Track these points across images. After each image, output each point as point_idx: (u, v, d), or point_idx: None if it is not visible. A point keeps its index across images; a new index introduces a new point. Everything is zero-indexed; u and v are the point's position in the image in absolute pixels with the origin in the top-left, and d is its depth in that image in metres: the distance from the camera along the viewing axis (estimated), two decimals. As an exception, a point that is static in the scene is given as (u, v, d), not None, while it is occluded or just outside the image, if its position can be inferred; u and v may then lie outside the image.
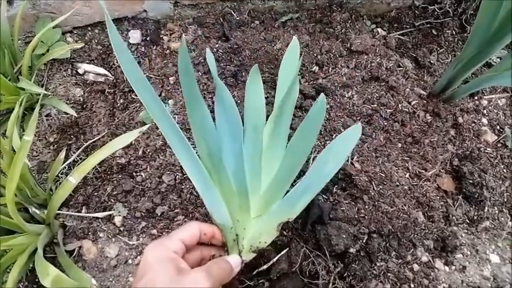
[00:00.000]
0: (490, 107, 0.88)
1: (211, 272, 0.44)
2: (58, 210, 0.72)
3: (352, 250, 0.63)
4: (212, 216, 0.54)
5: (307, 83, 0.83)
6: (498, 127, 0.85)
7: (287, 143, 0.60)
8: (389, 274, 0.65)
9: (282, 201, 0.54)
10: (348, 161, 0.74)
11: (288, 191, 0.55)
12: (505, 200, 0.78)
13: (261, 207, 0.56)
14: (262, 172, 0.57)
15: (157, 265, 0.43)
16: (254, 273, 0.58)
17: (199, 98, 0.49)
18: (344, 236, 0.63)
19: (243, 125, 0.58)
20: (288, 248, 0.62)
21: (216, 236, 0.54)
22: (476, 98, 0.89)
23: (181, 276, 0.42)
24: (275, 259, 0.59)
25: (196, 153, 0.53)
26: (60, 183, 0.72)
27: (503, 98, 0.90)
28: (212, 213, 0.54)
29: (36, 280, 0.70)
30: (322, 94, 0.45)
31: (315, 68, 0.86)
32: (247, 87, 0.62)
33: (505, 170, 0.80)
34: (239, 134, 0.53)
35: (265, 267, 0.58)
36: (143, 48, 0.90)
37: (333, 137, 0.77)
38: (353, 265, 0.63)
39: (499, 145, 0.83)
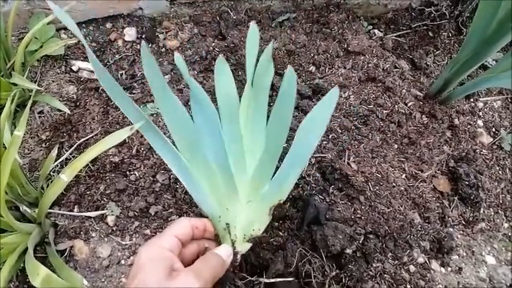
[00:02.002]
0: (485, 109, 0.88)
1: (199, 271, 0.43)
2: (49, 209, 0.70)
3: (348, 251, 0.63)
4: (200, 208, 0.53)
5: (303, 83, 0.83)
6: (493, 129, 0.86)
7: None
8: (385, 275, 0.64)
9: (270, 183, 0.53)
10: (344, 161, 0.74)
11: (275, 173, 0.53)
12: (501, 201, 0.78)
13: (250, 193, 0.55)
14: (246, 157, 0.55)
15: (149, 265, 0.42)
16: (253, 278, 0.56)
17: (167, 90, 0.48)
18: (340, 237, 0.62)
19: (219, 115, 0.56)
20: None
21: (208, 229, 0.53)
22: (472, 100, 0.89)
23: (171, 279, 0.41)
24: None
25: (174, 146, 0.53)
26: (52, 181, 0.71)
27: (499, 100, 0.90)
28: (199, 205, 0.53)
29: (27, 280, 0.68)
30: (289, 67, 0.44)
31: (312, 68, 0.85)
32: (215, 77, 0.59)
33: (500, 172, 0.81)
34: (215, 122, 0.52)
35: None
36: (138, 46, 0.89)
37: (330, 137, 0.76)
38: (349, 266, 0.63)
39: (495, 147, 0.83)
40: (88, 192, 0.73)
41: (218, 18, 0.92)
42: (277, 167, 0.53)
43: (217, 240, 0.54)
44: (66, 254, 0.69)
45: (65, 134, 0.79)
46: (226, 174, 0.52)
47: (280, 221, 0.67)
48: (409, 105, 0.82)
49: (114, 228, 0.71)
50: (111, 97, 0.52)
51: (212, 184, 0.53)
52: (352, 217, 0.67)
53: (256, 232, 0.54)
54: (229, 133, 0.54)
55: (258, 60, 0.60)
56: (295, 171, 0.53)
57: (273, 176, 0.53)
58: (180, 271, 0.43)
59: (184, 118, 0.51)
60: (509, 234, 0.76)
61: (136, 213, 0.71)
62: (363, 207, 0.69)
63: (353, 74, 0.84)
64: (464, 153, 0.81)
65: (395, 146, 0.78)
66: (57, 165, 0.75)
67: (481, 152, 0.82)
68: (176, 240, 0.46)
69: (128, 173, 0.74)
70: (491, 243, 0.74)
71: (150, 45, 0.89)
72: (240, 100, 0.61)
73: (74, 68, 0.86)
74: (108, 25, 0.91)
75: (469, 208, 0.76)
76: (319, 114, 0.47)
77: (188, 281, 0.41)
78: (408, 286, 0.65)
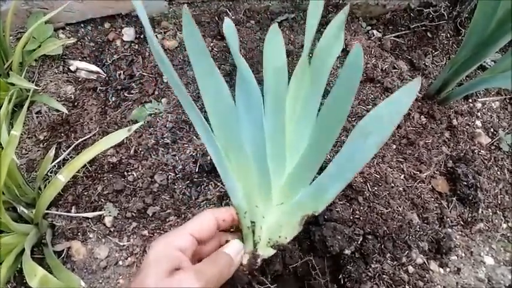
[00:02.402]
0: (484, 110, 0.88)
1: (202, 270, 0.40)
2: (47, 209, 0.70)
3: (347, 251, 0.63)
4: (230, 195, 0.48)
5: (302, 83, 0.83)
6: (492, 129, 0.86)
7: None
8: (384, 276, 0.64)
9: (310, 187, 0.45)
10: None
11: (316, 177, 0.45)
12: (499, 202, 0.78)
13: (284, 194, 0.48)
14: (287, 151, 0.47)
15: (152, 264, 0.40)
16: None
17: (211, 65, 0.41)
18: (339, 237, 0.62)
19: (262, 94, 0.48)
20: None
21: (237, 217, 0.48)
22: (470, 100, 0.89)
23: (170, 278, 0.39)
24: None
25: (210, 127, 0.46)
26: (49, 182, 0.70)
27: (497, 100, 0.91)
28: (228, 192, 0.47)
29: (24, 281, 0.67)
30: (357, 45, 0.33)
31: (311, 69, 0.85)
32: (265, 43, 0.50)
33: (498, 172, 0.81)
34: (259, 108, 0.43)
35: None
36: (137, 45, 0.89)
37: (328, 137, 0.76)
38: (348, 267, 0.63)
39: (493, 147, 0.83)
40: (85, 193, 0.73)
41: (217, 19, 0.92)
42: (321, 170, 0.45)
43: (236, 234, 0.50)
44: (63, 255, 0.69)
45: (62, 134, 0.79)
46: (261, 168, 0.45)
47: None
48: (407, 105, 0.82)
49: (112, 229, 0.71)
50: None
51: (245, 176, 0.46)
52: (351, 218, 0.66)
53: (283, 240, 0.49)
54: (271, 121, 0.46)
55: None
56: (340, 181, 0.43)
57: (313, 181, 0.46)
58: (181, 270, 0.40)
59: (227, 100, 0.44)
60: (508, 234, 0.76)
61: (134, 214, 0.71)
62: (361, 207, 0.68)
63: (352, 75, 0.84)
64: (462, 154, 0.80)
65: (394, 146, 0.78)
66: (55, 166, 0.75)
67: (480, 153, 0.82)
68: (191, 238, 0.43)
69: (125, 173, 0.74)
70: (490, 244, 0.74)
71: (148, 45, 0.89)
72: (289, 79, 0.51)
73: (72, 68, 0.86)
74: (107, 25, 0.91)
75: (468, 209, 0.76)
76: (388, 110, 0.37)
77: (187, 280, 0.39)
78: (407, 287, 0.65)
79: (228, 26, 0.48)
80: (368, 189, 0.71)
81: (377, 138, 0.37)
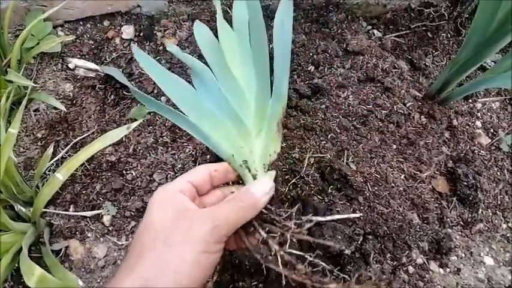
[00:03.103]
0: (484, 110, 0.88)
1: (217, 212, 0.38)
2: (45, 208, 0.69)
3: (347, 251, 0.62)
4: (215, 152, 0.51)
5: (302, 83, 0.83)
6: (492, 130, 0.86)
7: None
8: (384, 276, 0.64)
9: (272, 98, 0.52)
10: (343, 161, 0.73)
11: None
12: (499, 202, 0.78)
13: (257, 122, 0.53)
14: (246, 93, 0.55)
15: (156, 207, 0.38)
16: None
17: (165, 71, 0.53)
18: (339, 237, 0.62)
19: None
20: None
21: (230, 170, 0.48)
22: (470, 100, 0.89)
23: (181, 217, 0.37)
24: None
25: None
26: (47, 180, 0.70)
27: (497, 101, 0.90)
28: (214, 150, 0.51)
29: (22, 280, 0.67)
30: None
31: (311, 68, 0.85)
32: (197, 39, 0.60)
33: (499, 173, 0.80)
34: (216, 86, 0.54)
35: None
36: (136, 44, 0.89)
37: (328, 137, 0.76)
38: (348, 267, 0.62)
39: (493, 148, 0.83)
40: (84, 192, 0.72)
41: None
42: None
43: (239, 182, 0.50)
44: (61, 254, 0.68)
45: (60, 133, 0.78)
46: (233, 118, 0.52)
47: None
48: (408, 105, 0.82)
49: (110, 228, 0.70)
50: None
51: (222, 132, 0.52)
52: (351, 217, 0.66)
53: (273, 156, 0.51)
54: (224, 82, 0.54)
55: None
56: (285, 73, 0.52)
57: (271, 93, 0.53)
58: (193, 210, 0.39)
59: (187, 89, 0.54)
60: (508, 235, 0.76)
61: (132, 213, 0.70)
62: (361, 207, 0.68)
63: (352, 74, 0.84)
64: (462, 154, 0.80)
65: (394, 146, 0.78)
66: (53, 164, 0.74)
67: (480, 153, 0.82)
68: (189, 185, 0.42)
69: (124, 172, 0.73)
70: (490, 244, 0.74)
71: (147, 44, 0.89)
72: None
73: (71, 66, 0.85)
74: (106, 23, 0.91)
75: (468, 209, 0.76)
76: (281, 16, 0.52)
77: (200, 218, 0.37)
78: (407, 287, 0.65)
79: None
80: (368, 189, 0.70)
81: (286, 31, 0.51)
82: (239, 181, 0.50)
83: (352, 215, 0.66)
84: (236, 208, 0.40)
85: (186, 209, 0.38)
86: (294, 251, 0.41)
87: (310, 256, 0.44)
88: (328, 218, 0.49)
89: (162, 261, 0.35)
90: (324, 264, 0.42)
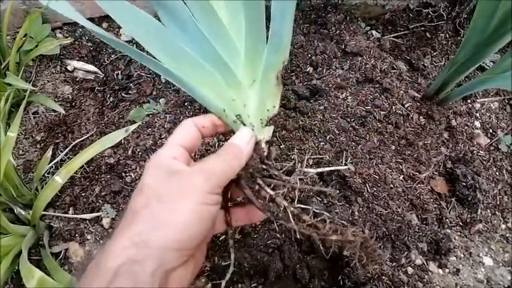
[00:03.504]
0: (482, 110, 0.88)
1: (205, 165, 0.38)
2: (44, 211, 0.69)
3: (346, 253, 0.62)
4: (205, 106, 0.47)
5: (301, 84, 0.83)
6: (491, 130, 0.86)
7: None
8: (383, 277, 0.64)
9: (267, 51, 0.46)
10: (342, 162, 0.73)
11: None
12: (498, 202, 0.78)
13: (250, 72, 0.48)
14: (233, 37, 0.48)
15: (149, 171, 0.38)
16: None
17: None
18: (338, 239, 0.62)
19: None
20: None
21: (219, 123, 0.46)
22: (469, 101, 0.89)
23: (170, 178, 0.37)
24: None
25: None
26: (46, 183, 0.70)
27: (496, 101, 0.91)
28: (204, 104, 0.47)
29: (22, 283, 0.67)
30: None
31: (309, 69, 0.85)
32: None
33: (497, 173, 0.81)
34: (189, 19, 0.45)
35: None
36: (134, 46, 0.88)
37: (327, 138, 0.76)
38: (347, 268, 0.62)
39: (492, 148, 0.83)
40: (83, 194, 0.72)
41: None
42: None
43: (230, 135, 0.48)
44: (61, 257, 0.68)
45: (60, 135, 0.79)
46: (219, 65, 0.46)
47: (278, 223, 0.67)
48: (406, 106, 0.82)
49: (110, 231, 0.70)
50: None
51: (207, 81, 0.47)
52: (350, 219, 0.66)
53: (272, 111, 0.48)
54: (204, 19, 0.47)
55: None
56: (286, 24, 0.45)
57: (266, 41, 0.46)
58: (184, 169, 0.38)
59: (155, 26, 0.44)
60: (507, 235, 0.76)
61: (132, 215, 0.70)
62: (360, 208, 0.68)
63: (350, 75, 0.84)
64: (461, 155, 0.80)
65: (393, 147, 0.78)
66: (52, 167, 0.74)
67: (478, 153, 0.82)
68: (179, 148, 0.41)
69: (123, 174, 0.73)
70: (489, 245, 0.74)
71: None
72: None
73: (69, 68, 0.85)
74: (105, 25, 0.91)
75: (467, 209, 0.76)
76: None
77: (190, 173, 0.37)
78: (406, 288, 0.65)
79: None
80: (367, 190, 0.70)
81: None
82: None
83: (341, 167, 0.64)
84: (222, 158, 0.40)
85: (177, 170, 0.38)
86: (302, 205, 0.42)
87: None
88: (319, 170, 0.47)
89: (155, 217, 0.35)
90: (326, 213, 0.42)
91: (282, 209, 0.41)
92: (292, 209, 0.41)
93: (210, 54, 0.45)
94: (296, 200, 0.42)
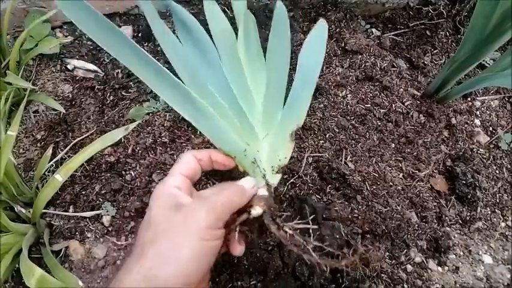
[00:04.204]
0: (482, 108, 0.88)
1: (208, 199, 0.41)
2: (44, 209, 0.69)
3: (345, 250, 0.63)
4: (220, 147, 0.50)
5: (301, 82, 0.83)
6: (491, 128, 0.86)
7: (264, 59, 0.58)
8: (382, 275, 0.64)
9: (284, 111, 0.52)
10: (341, 160, 0.73)
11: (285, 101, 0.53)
12: (498, 200, 0.78)
13: (265, 125, 0.53)
14: (252, 89, 0.54)
15: (154, 203, 0.41)
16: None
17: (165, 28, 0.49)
18: (337, 236, 0.62)
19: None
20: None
21: (216, 159, 0.49)
22: (469, 99, 0.89)
23: (175, 212, 0.39)
24: None
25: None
26: (46, 181, 0.70)
27: (496, 99, 0.90)
28: (218, 144, 0.50)
29: (23, 281, 0.67)
30: (278, 1, 0.46)
31: (309, 67, 0.85)
32: (207, 17, 0.57)
33: (497, 171, 0.80)
34: (215, 57, 0.52)
35: None
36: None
37: (327, 136, 0.76)
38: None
39: (492, 146, 0.83)
40: (83, 192, 0.73)
41: None
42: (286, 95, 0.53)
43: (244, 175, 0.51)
44: (61, 255, 0.68)
45: (60, 134, 0.79)
46: (236, 110, 0.51)
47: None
48: (406, 104, 0.82)
49: (110, 229, 0.70)
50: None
51: (227, 121, 0.51)
52: (350, 217, 0.66)
53: (283, 161, 0.52)
54: (230, 68, 0.53)
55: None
56: (306, 93, 0.52)
57: (284, 103, 0.53)
58: (188, 202, 0.41)
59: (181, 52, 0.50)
60: (507, 233, 0.76)
61: (132, 214, 0.70)
62: (360, 206, 0.68)
63: (350, 73, 0.84)
64: (461, 153, 0.80)
65: (393, 145, 0.78)
66: (52, 165, 0.75)
67: (478, 151, 0.82)
68: (183, 178, 0.45)
69: (123, 172, 0.74)
70: (488, 243, 0.74)
71: (146, 44, 0.89)
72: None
73: (69, 67, 0.85)
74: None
75: (466, 207, 0.76)
76: (316, 40, 0.51)
77: (194, 207, 0.40)
78: (405, 286, 0.65)
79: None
80: (367, 188, 0.70)
81: (317, 57, 0.51)
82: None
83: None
84: (224, 193, 0.43)
85: (181, 202, 0.41)
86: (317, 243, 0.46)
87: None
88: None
89: (164, 252, 0.37)
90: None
91: (302, 243, 0.45)
92: (311, 245, 0.45)
93: (230, 98, 0.50)
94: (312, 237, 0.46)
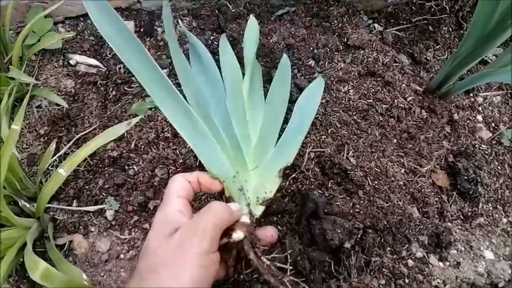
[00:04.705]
0: (485, 104, 0.88)
1: (199, 222, 0.41)
2: (48, 203, 0.70)
3: (347, 245, 0.63)
4: (210, 169, 0.53)
5: (303, 77, 0.83)
6: (493, 124, 0.86)
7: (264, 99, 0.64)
8: (384, 269, 0.64)
9: (275, 149, 0.57)
10: (343, 155, 0.73)
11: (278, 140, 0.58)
12: (500, 196, 0.78)
13: (256, 158, 0.57)
14: (249, 125, 0.58)
15: (154, 226, 0.42)
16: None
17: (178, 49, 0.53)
18: (339, 231, 0.62)
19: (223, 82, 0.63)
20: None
21: (203, 182, 0.51)
22: (471, 95, 0.89)
23: (170, 239, 0.40)
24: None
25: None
26: (50, 176, 0.71)
27: (499, 95, 0.90)
28: (210, 167, 0.53)
29: (26, 275, 0.68)
30: (284, 55, 0.54)
31: (311, 62, 0.85)
32: (220, 54, 0.66)
33: (499, 167, 0.80)
34: (220, 88, 0.58)
35: None
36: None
37: (329, 132, 0.76)
38: (348, 260, 0.63)
39: (494, 142, 0.83)
40: (87, 187, 0.73)
41: (217, 12, 0.91)
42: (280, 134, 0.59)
43: (230, 201, 0.54)
44: (65, 249, 0.69)
45: (63, 129, 0.79)
46: (232, 139, 0.54)
47: (279, 215, 0.67)
48: (408, 99, 0.82)
49: (113, 223, 0.71)
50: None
51: (222, 146, 0.54)
52: (351, 211, 0.67)
53: (268, 194, 0.55)
54: (233, 101, 0.58)
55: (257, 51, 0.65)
56: (297, 137, 0.58)
57: (277, 142, 0.58)
58: (179, 228, 0.42)
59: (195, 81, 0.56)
60: (508, 229, 0.76)
61: (135, 208, 0.71)
62: (361, 201, 0.69)
63: (352, 68, 0.84)
64: (463, 148, 0.80)
65: (395, 140, 0.78)
66: (56, 160, 0.75)
67: (480, 147, 0.82)
68: (183, 201, 0.46)
69: (126, 167, 0.74)
70: (490, 238, 0.75)
71: (148, 39, 0.89)
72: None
73: (72, 62, 0.86)
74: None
75: (468, 203, 0.76)
76: (314, 89, 0.58)
77: (187, 233, 0.40)
78: (406, 280, 0.65)
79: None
80: (368, 183, 0.71)
81: (312, 105, 0.58)
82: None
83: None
84: (213, 212, 0.43)
85: (176, 228, 0.42)
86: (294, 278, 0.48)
87: None
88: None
89: (164, 281, 0.37)
90: None
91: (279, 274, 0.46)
92: (288, 278, 0.47)
93: (229, 129, 0.55)
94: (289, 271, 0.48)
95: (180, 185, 0.47)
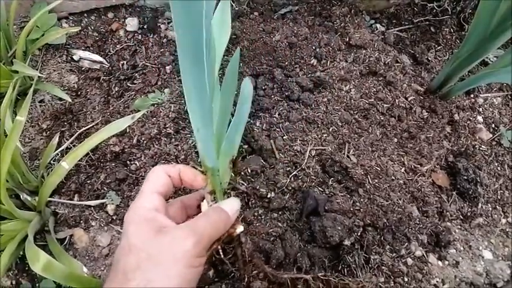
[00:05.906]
0: (485, 105, 0.89)
1: (196, 227, 0.39)
2: (50, 197, 0.70)
3: (346, 242, 0.63)
4: (204, 159, 0.50)
5: (305, 76, 0.83)
6: (493, 125, 0.86)
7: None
8: (383, 267, 0.65)
9: (226, 141, 0.54)
10: (344, 154, 0.74)
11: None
12: (499, 197, 0.78)
13: (217, 150, 0.56)
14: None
15: (132, 227, 0.38)
16: None
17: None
18: (339, 228, 0.63)
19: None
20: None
21: (185, 177, 0.47)
22: (472, 95, 0.89)
23: (160, 235, 0.37)
24: None
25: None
26: (52, 170, 0.71)
27: (499, 96, 0.91)
28: (205, 156, 0.50)
29: (26, 268, 0.68)
30: (237, 49, 0.48)
31: (313, 61, 0.85)
32: None
33: (499, 168, 0.81)
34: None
35: None
36: (140, 36, 0.89)
37: (330, 130, 0.77)
38: (348, 257, 0.63)
39: (494, 143, 0.84)
40: (88, 181, 0.73)
41: (220, 10, 0.91)
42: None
43: (209, 192, 0.51)
44: (66, 243, 0.69)
45: (65, 123, 0.79)
46: (220, 129, 0.53)
47: (279, 212, 0.68)
48: (409, 99, 0.83)
49: (114, 217, 0.71)
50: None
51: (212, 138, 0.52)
52: (351, 209, 0.67)
53: (225, 185, 0.54)
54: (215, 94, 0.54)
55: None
56: (238, 133, 0.56)
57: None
58: (171, 226, 0.39)
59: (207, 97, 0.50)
60: (507, 229, 0.76)
61: (136, 203, 0.71)
62: (361, 199, 0.69)
63: (354, 68, 0.84)
64: (463, 149, 0.81)
65: (395, 140, 0.79)
66: (58, 154, 0.75)
67: (480, 148, 0.82)
68: (159, 197, 0.42)
69: (128, 162, 0.74)
70: (489, 238, 0.75)
71: (151, 36, 0.89)
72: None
73: (75, 58, 0.86)
74: (110, 15, 0.91)
75: (467, 203, 0.77)
76: (244, 93, 0.54)
77: (181, 234, 0.38)
78: (405, 278, 0.66)
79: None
80: (369, 182, 0.71)
81: (245, 107, 0.54)
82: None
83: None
84: (211, 223, 0.41)
85: (163, 226, 0.39)
86: None
87: None
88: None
89: (149, 280, 0.35)
90: None
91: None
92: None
93: (209, 115, 0.51)
94: None
95: (159, 181, 0.44)
